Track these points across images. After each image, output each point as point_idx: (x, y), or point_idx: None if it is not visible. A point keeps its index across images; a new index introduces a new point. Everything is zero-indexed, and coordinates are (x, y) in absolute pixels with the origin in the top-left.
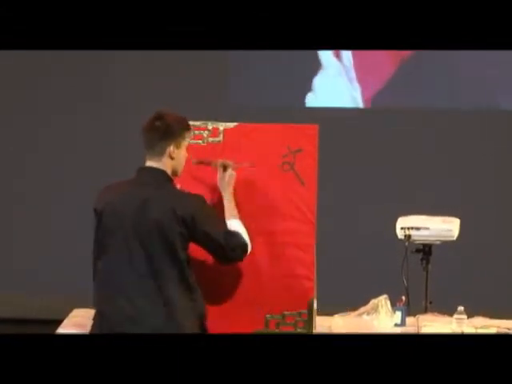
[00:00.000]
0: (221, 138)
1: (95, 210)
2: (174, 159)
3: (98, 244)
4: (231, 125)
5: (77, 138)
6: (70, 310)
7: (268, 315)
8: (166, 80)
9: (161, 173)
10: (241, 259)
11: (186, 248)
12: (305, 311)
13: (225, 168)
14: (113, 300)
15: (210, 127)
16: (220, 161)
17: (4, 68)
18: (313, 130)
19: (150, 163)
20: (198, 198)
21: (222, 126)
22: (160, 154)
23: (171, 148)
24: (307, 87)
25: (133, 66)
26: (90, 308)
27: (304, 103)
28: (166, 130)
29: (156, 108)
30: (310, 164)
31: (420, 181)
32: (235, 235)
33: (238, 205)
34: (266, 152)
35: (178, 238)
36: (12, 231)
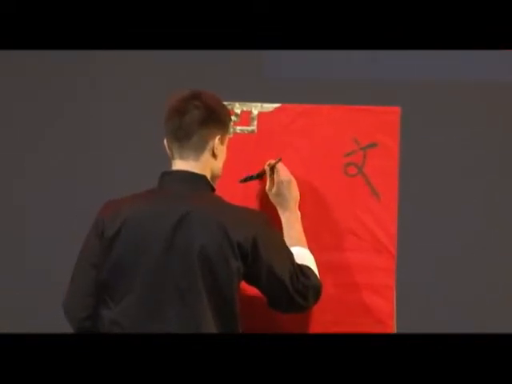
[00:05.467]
0: (254, 126)
1: (102, 234)
2: (216, 158)
3: (105, 283)
4: (269, 107)
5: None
6: None
7: None
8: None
9: (200, 179)
10: (307, 308)
11: (237, 289)
12: None
13: (272, 172)
14: None
15: (237, 110)
16: (266, 164)
17: (4, 68)
18: (393, 114)
19: (180, 165)
20: (260, 216)
21: (256, 108)
22: (199, 148)
23: (216, 140)
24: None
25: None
26: None
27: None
28: (210, 114)
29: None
30: (389, 166)
31: None
32: (306, 273)
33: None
34: (321, 148)
35: (232, 276)
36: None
